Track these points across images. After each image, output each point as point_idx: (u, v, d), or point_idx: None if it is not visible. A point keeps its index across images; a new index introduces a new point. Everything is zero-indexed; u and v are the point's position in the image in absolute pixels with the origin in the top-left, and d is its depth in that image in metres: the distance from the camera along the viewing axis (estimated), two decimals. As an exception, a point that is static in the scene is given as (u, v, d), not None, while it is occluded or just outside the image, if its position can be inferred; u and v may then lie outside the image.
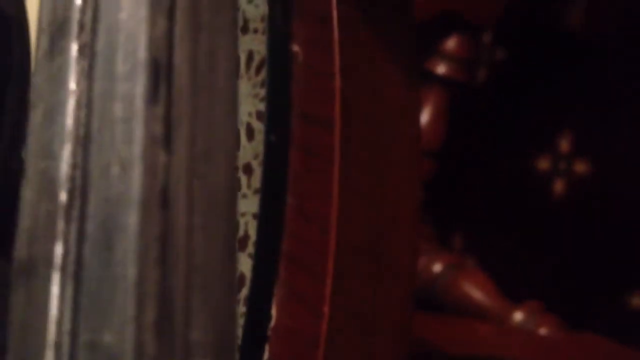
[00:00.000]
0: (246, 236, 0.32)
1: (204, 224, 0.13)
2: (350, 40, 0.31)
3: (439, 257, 0.64)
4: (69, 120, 0.14)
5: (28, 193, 0.15)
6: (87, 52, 0.15)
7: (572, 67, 0.71)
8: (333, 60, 0.31)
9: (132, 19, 0.14)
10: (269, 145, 0.30)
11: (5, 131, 0.34)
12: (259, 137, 0.31)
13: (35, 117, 0.15)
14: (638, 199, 0.69)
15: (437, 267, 0.64)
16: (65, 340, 0.14)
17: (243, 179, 0.32)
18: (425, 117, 0.63)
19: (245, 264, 0.32)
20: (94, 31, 0.14)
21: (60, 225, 0.14)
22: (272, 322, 0.30)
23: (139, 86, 0.14)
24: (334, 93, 0.30)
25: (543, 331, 0.60)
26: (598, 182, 0.72)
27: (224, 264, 0.14)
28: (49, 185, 0.14)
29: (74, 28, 0.15)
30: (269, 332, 0.30)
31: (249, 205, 0.32)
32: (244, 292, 0.32)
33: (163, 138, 0.13)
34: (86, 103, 0.14)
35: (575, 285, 0.70)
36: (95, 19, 0.14)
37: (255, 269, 0.31)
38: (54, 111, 0.15)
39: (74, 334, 0.14)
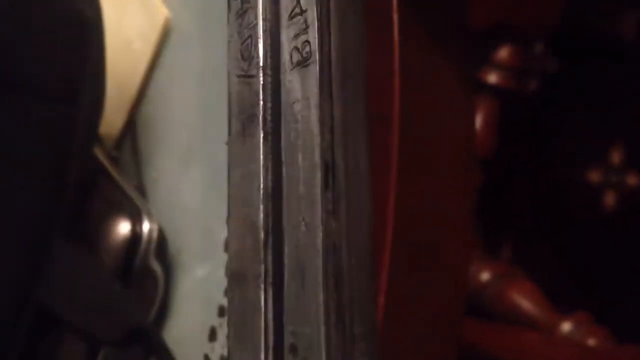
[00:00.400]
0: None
1: (356, 264, 0.21)
2: (409, 43, 0.32)
3: (488, 265, 0.64)
4: (262, 184, 0.22)
5: (233, 226, 0.22)
6: (271, 140, 0.22)
7: (625, 78, 0.71)
8: (393, 60, 0.32)
9: (307, 132, 0.21)
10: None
11: (80, 124, 0.36)
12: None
13: (235, 175, 0.22)
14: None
15: (486, 276, 0.64)
16: (272, 329, 0.21)
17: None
18: (476, 124, 0.63)
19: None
20: (277, 128, 0.22)
21: (261, 253, 0.21)
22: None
23: (317, 178, 0.21)
24: (394, 91, 0.31)
25: (591, 342, 0.60)
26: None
27: (368, 285, 0.21)
28: (250, 225, 0.22)
29: (261, 122, 0.22)
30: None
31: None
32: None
33: (333, 212, 0.21)
34: (273, 175, 0.22)
35: (620, 299, 0.70)
36: (277, 122, 0.22)
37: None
38: (250, 175, 0.22)
39: (279, 325, 0.21)
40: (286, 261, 0.20)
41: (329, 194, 0.20)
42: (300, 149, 0.21)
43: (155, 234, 0.37)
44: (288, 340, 0.20)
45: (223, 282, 0.36)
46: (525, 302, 0.64)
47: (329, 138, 0.20)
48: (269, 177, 0.21)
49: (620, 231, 0.72)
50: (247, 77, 0.22)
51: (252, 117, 0.22)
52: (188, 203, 0.38)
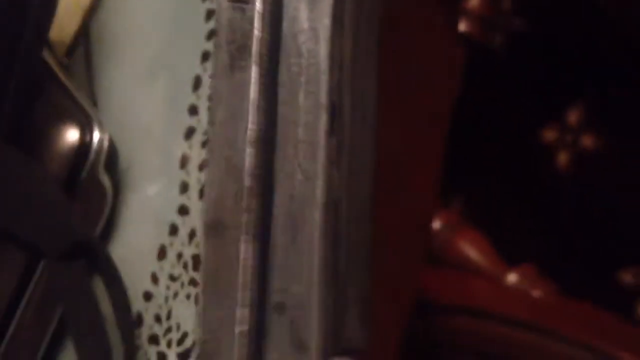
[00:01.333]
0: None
1: (355, 222, 0.19)
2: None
3: (439, 214, 0.64)
4: (251, 125, 0.19)
5: (213, 171, 0.20)
6: (267, 77, 0.19)
7: (591, 40, 0.71)
8: None
9: (312, 67, 0.18)
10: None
11: (28, 24, 0.34)
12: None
13: (218, 114, 0.20)
14: (638, 179, 0.70)
15: (436, 224, 0.64)
16: (254, 285, 0.19)
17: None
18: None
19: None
20: (273, 63, 0.19)
21: (246, 201, 0.19)
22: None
23: (322, 121, 0.18)
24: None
25: (536, 293, 0.61)
26: (602, 158, 0.72)
27: (365, 244, 0.20)
28: (233, 170, 0.19)
29: (255, 54, 0.19)
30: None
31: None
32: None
33: (336, 161, 0.19)
34: (265, 114, 0.19)
35: (569, 256, 0.71)
36: (274, 55, 0.19)
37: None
38: (237, 113, 0.20)
39: (262, 282, 0.19)
40: (275, 212, 0.18)
41: (333, 140, 0.18)
42: (303, 87, 0.18)
43: (105, 144, 0.35)
44: (274, 298, 0.18)
45: (177, 200, 0.35)
46: (473, 251, 0.64)
47: (339, 76, 0.18)
48: (259, 116, 0.19)
49: (570, 191, 0.73)
50: (240, 1, 0.19)
51: (244, 47, 0.19)
52: (143, 116, 0.36)
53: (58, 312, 0.34)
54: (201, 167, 0.34)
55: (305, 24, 0.18)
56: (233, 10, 0.20)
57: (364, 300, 0.18)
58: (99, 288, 0.34)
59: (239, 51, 0.20)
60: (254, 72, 0.19)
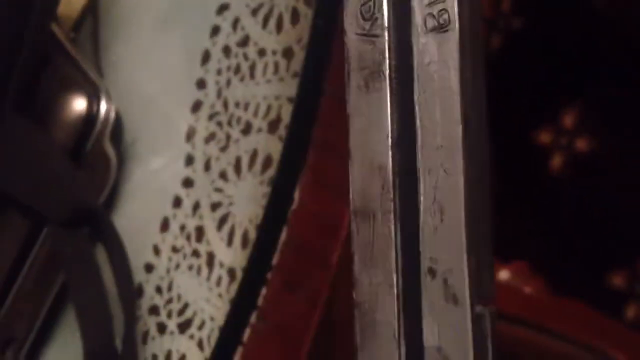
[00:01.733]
0: (278, 119, 0.32)
1: (479, 200, 0.25)
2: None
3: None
4: (389, 132, 0.25)
5: (356, 170, 0.25)
6: (402, 95, 0.25)
7: (588, 42, 0.71)
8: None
9: (445, 90, 0.24)
10: (315, 29, 0.30)
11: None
12: (304, 22, 0.31)
13: (357, 123, 0.25)
14: (631, 182, 0.70)
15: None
16: (402, 255, 0.24)
17: (282, 62, 0.32)
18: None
19: (274, 146, 0.32)
20: (407, 86, 0.25)
21: (391, 193, 0.25)
22: (294, 206, 0.31)
23: (457, 132, 0.24)
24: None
25: (528, 290, 0.61)
26: (597, 160, 0.72)
27: (487, 221, 0.26)
28: (377, 169, 0.25)
29: (387, 78, 0.25)
30: (290, 215, 0.30)
31: (285, 88, 0.32)
32: (270, 172, 0.32)
33: (470, 159, 0.24)
34: (400, 126, 0.25)
35: (560, 255, 0.71)
36: (408, 80, 0.25)
37: (284, 151, 0.31)
38: (374, 123, 0.25)
39: (412, 252, 0.24)
40: (421, 199, 0.24)
41: (466, 144, 0.24)
42: (438, 105, 0.25)
43: (112, 116, 0.35)
44: (425, 264, 0.24)
45: (181, 173, 0.35)
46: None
47: (466, 96, 0.24)
48: (395, 127, 0.25)
49: (563, 193, 0.74)
50: (369, 35, 0.25)
51: (377, 73, 0.25)
52: (149, 89, 0.36)
53: (59, 279, 0.34)
54: (207, 140, 0.34)
55: (435, 57, 0.25)
56: (361, 42, 0.25)
57: (490, 263, 0.25)
58: (101, 257, 0.34)
59: (372, 76, 0.25)
60: (388, 91, 0.25)
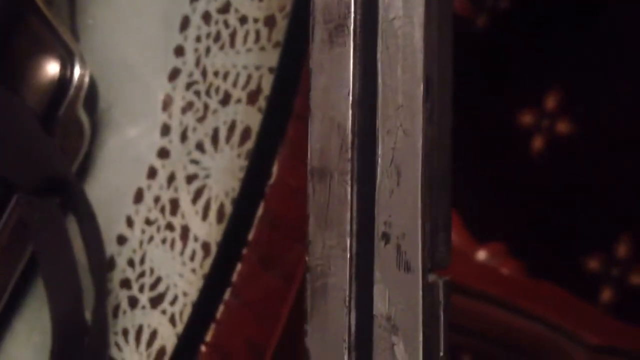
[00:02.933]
0: (258, 90, 0.31)
1: (440, 167, 0.24)
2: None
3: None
4: (351, 90, 0.24)
5: (316, 127, 0.24)
6: (365, 52, 0.24)
7: (573, 26, 0.71)
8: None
9: (408, 47, 0.23)
10: (299, -2, 0.29)
11: None
12: (288, -10, 0.30)
13: (319, 80, 0.24)
14: (611, 166, 0.70)
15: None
16: (357, 218, 0.23)
17: (264, 30, 0.31)
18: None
19: (253, 118, 0.31)
20: (370, 42, 0.24)
21: (349, 153, 0.24)
22: (272, 180, 0.30)
23: (419, 91, 0.23)
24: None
25: (505, 271, 0.61)
26: (577, 144, 0.72)
27: (447, 184, 0.25)
28: (337, 128, 0.24)
29: (352, 33, 0.24)
30: (267, 189, 0.30)
31: (266, 58, 0.31)
32: (248, 145, 0.31)
33: (430, 121, 0.24)
34: (365, 83, 0.24)
35: (537, 238, 0.71)
36: (371, 36, 0.24)
37: (263, 123, 0.30)
38: (336, 81, 0.24)
39: (368, 215, 0.23)
40: (379, 161, 0.23)
41: (428, 105, 0.23)
42: (400, 63, 0.24)
43: (86, 81, 0.34)
44: (379, 229, 0.23)
45: (157, 143, 0.34)
46: (444, 227, 0.65)
47: (430, 55, 0.23)
48: (357, 84, 0.24)
49: (543, 175, 0.74)
50: None
51: (341, 27, 0.24)
52: (126, 56, 0.35)
53: (28, 249, 0.33)
54: (184, 110, 0.33)
55: (400, 12, 0.23)
56: None
57: (447, 227, 0.24)
58: (72, 228, 0.33)
59: (337, 29, 0.24)
60: (352, 46, 0.24)
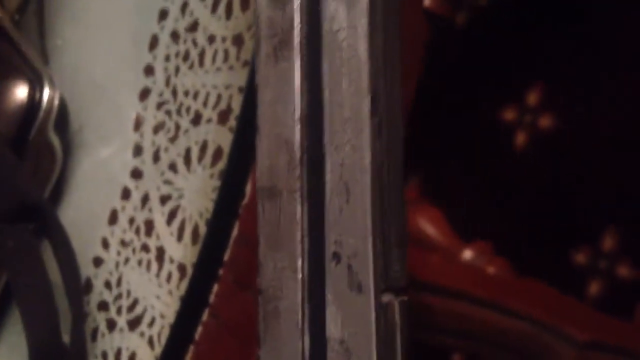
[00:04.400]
0: (229, 109, 0.31)
1: (393, 181, 0.24)
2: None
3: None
4: (298, 106, 0.23)
5: (264, 144, 0.23)
6: (309, 66, 0.23)
7: (554, 20, 0.71)
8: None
9: (353, 59, 0.22)
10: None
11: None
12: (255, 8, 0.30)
13: (266, 96, 0.23)
14: (595, 160, 0.70)
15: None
16: (310, 238, 0.23)
17: (232, 50, 0.31)
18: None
19: (225, 138, 0.31)
20: (315, 55, 0.23)
21: (297, 170, 0.23)
22: (246, 200, 0.30)
23: (365, 104, 0.22)
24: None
25: (491, 270, 0.61)
26: (560, 139, 0.72)
27: (401, 198, 0.25)
28: (284, 144, 0.23)
29: (297, 47, 0.23)
30: (241, 209, 0.29)
31: (235, 78, 0.31)
32: (220, 165, 0.31)
33: (379, 135, 0.23)
34: (311, 98, 0.23)
35: (523, 235, 0.71)
36: (316, 49, 0.23)
37: (234, 143, 0.30)
38: (282, 96, 0.23)
39: (318, 234, 0.23)
40: (328, 178, 0.22)
41: (375, 119, 0.22)
42: (346, 76, 0.23)
43: (56, 103, 0.33)
44: (330, 249, 0.22)
45: (130, 164, 0.34)
46: (429, 227, 0.64)
47: (376, 67, 0.22)
48: (304, 100, 0.23)
49: (527, 171, 0.74)
50: (279, 0, 0.23)
51: (285, 41, 0.23)
52: (96, 76, 0.35)
53: (3, 277, 0.33)
54: (156, 130, 0.33)
55: (344, 23, 0.23)
56: (272, 8, 0.23)
57: (402, 244, 0.24)
58: (47, 252, 0.33)
59: (281, 44, 0.23)
60: (297, 61, 0.23)
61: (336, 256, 0.22)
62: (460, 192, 0.77)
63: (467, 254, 0.62)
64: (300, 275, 0.22)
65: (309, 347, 0.22)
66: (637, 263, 0.75)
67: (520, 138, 0.81)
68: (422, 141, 0.77)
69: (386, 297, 0.22)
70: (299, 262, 0.22)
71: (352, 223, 0.22)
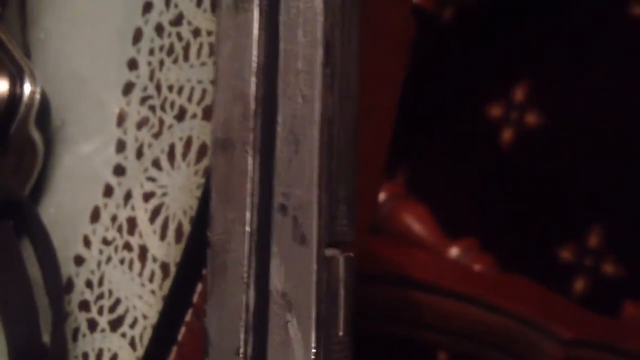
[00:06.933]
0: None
1: (344, 136, 0.23)
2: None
3: (385, 185, 0.64)
4: (254, 57, 0.23)
5: (221, 96, 0.24)
6: (268, 17, 0.23)
7: (540, 18, 0.71)
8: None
9: (309, 10, 0.22)
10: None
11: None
12: None
13: (225, 49, 0.24)
14: (580, 156, 0.70)
15: (382, 195, 0.64)
16: (259, 190, 0.23)
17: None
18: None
19: (209, 134, 0.30)
20: (273, 6, 0.23)
21: (251, 121, 0.23)
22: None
23: (318, 55, 0.23)
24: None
25: (477, 267, 0.61)
26: (546, 136, 0.72)
27: (352, 156, 0.24)
28: (241, 95, 0.23)
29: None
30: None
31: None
32: (205, 162, 0.30)
33: (330, 87, 0.23)
34: (268, 49, 0.23)
35: (510, 231, 0.71)
36: (274, 1, 0.23)
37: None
38: (241, 48, 0.23)
39: (269, 187, 0.23)
40: (279, 129, 0.22)
41: (327, 70, 0.22)
42: (301, 27, 0.23)
43: (37, 98, 0.33)
44: (277, 200, 0.22)
45: (112, 160, 0.33)
46: (416, 224, 0.64)
47: (331, 18, 0.22)
48: (261, 51, 0.23)
49: (513, 167, 0.74)
50: None
51: None
52: (79, 70, 0.34)
53: (-18, 274, 0.32)
54: (139, 126, 0.32)
55: None
56: None
57: (350, 200, 0.23)
58: (27, 251, 0.32)
59: None
60: (256, 12, 0.23)
61: (283, 208, 0.22)
62: (446, 188, 0.77)
63: (454, 251, 0.62)
64: (248, 228, 0.22)
65: (253, 301, 0.22)
66: (622, 260, 0.75)
67: (507, 135, 0.81)
68: (408, 138, 0.76)
69: (330, 251, 0.22)
70: (248, 215, 0.22)
71: (300, 175, 0.22)
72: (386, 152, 0.38)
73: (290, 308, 0.21)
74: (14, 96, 0.32)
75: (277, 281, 0.22)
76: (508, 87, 0.74)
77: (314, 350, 0.21)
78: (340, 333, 0.22)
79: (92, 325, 0.32)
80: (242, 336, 0.22)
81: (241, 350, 0.22)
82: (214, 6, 0.31)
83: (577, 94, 0.71)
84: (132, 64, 0.33)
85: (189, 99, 0.31)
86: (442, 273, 0.57)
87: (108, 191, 0.32)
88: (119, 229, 0.32)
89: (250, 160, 0.23)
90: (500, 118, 0.75)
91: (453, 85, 0.75)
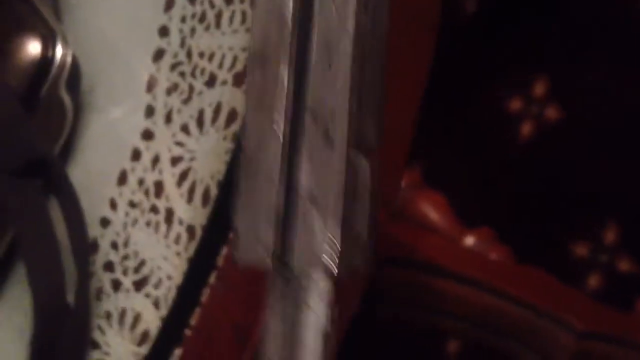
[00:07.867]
0: (245, 71, 0.31)
1: (374, 59, 0.25)
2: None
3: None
4: None
5: (259, 14, 0.25)
6: None
7: (560, 12, 0.71)
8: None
9: None
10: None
11: None
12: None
13: None
14: (599, 151, 0.70)
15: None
16: (291, 101, 0.24)
17: (250, 11, 0.31)
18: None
19: (239, 100, 0.31)
20: None
21: (288, 36, 0.24)
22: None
23: None
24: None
25: (492, 257, 0.61)
26: (565, 130, 0.72)
27: (380, 73, 0.26)
28: (277, 14, 0.25)
29: None
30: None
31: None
32: (234, 127, 0.30)
33: (365, 10, 0.25)
34: None
35: (526, 224, 0.71)
36: None
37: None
38: None
39: (300, 99, 0.24)
40: (314, 44, 0.24)
41: None
42: None
43: (68, 61, 0.33)
44: (310, 107, 0.24)
45: (141, 125, 0.33)
46: (432, 212, 0.64)
47: None
48: None
49: (532, 161, 0.74)
50: None
51: None
52: (110, 35, 0.35)
53: (9, 233, 0.33)
54: (169, 91, 0.33)
55: None
56: None
57: (378, 113, 0.25)
58: (54, 210, 0.32)
59: None
60: None
61: (314, 114, 0.24)
62: (464, 180, 0.77)
63: (469, 240, 0.62)
64: (280, 133, 0.24)
65: (284, 201, 0.24)
66: (638, 258, 0.75)
67: (526, 128, 0.81)
68: (429, 129, 0.76)
69: (355, 154, 0.24)
70: (281, 122, 0.24)
71: (333, 84, 0.24)
72: (411, 136, 0.38)
73: (318, 207, 0.23)
74: (46, 58, 0.33)
75: (304, 180, 0.23)
76: (529, 81, 0.74)
77: (339, 249, 0.23)
78: (365, 238, 0.23)
79: (116, 285, 0.32)
80: (271, 233, 0.23)
81: (270, 242, 0.23)
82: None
83: (597, 89, 0.71)
84: (163, 31, 0.33)
85: (220, 66, 0.31)
86: (458, 258, 0.57)
87: (136, 155, 0.33)
88: (146, 192, 0.32)
89: (285, 71, 0.24)
90: (520, 112, 0.75)
91: (473, 78, 0.75)
